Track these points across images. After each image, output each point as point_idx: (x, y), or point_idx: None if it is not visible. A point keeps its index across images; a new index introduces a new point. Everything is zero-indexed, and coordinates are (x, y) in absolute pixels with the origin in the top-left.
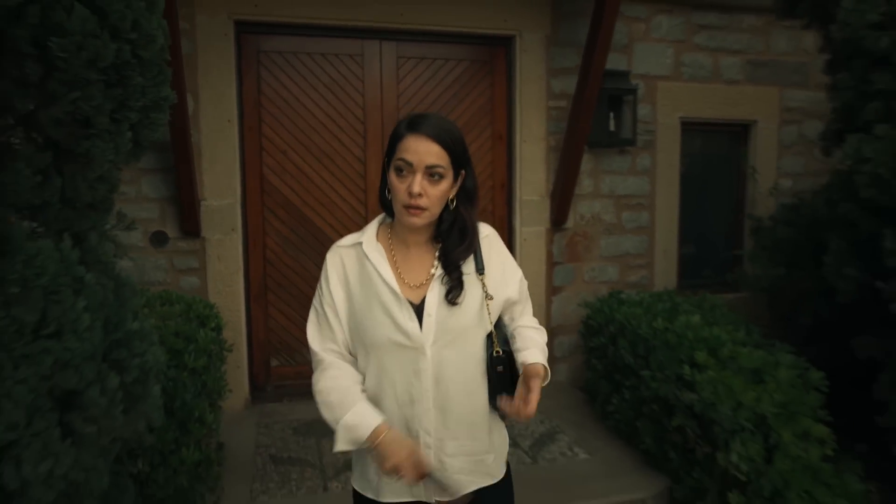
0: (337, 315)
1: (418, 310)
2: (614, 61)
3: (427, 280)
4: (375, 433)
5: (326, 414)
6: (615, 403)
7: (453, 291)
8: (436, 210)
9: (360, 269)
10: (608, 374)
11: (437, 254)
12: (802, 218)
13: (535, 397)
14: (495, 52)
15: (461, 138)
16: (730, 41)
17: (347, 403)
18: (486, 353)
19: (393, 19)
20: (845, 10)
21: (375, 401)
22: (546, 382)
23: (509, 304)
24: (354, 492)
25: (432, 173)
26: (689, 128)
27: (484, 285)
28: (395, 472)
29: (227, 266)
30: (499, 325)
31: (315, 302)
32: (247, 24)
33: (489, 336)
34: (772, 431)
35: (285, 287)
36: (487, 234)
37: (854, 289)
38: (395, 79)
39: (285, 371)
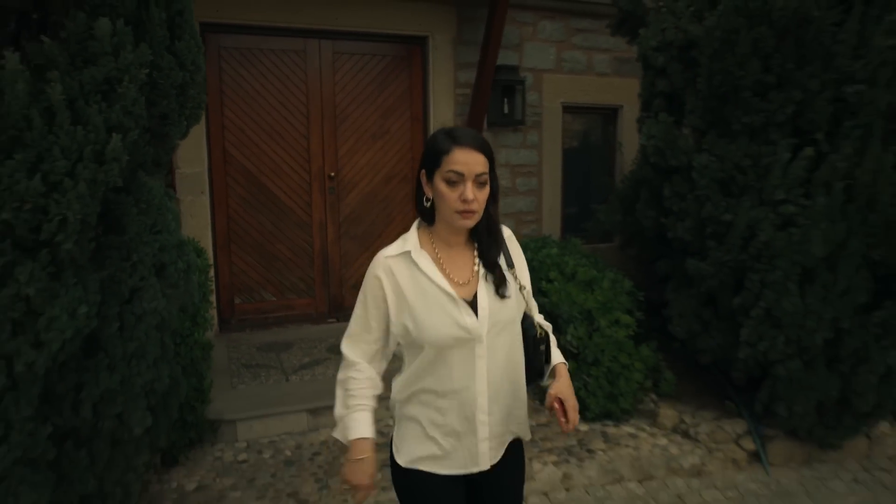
0: (379, 319)
1: (472, 305)
2: (508, 57)
3: (472, 277)
4: (358, 445)
5: (336, 401)
6: None
7: (502, 286)
8: (482, 211)
9: (412, 276)
10: None
11: (475, 252)
12: (633, 177)
13: (573, 410)
14: (413, 49)
15: (490, 145)
16: (600, 42)
17: (352, 406)
18: (528, 334)
19: (330, 22)
20: (641, 35)
21: (433, 392)
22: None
23: (530, 292)
24: (397, 466)
25: (480, 181)
26: (570, 111)
27: (516, 278)
28: (349, 487)
29: (198, 222)
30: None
31: (357, 308)
32: (210, 24)
33: (527, 320)
34: (594, 320)
35: (245, 239)
36: (508, 235)
37: (653, 226)
38: (332, 70)
39: (247, 307)
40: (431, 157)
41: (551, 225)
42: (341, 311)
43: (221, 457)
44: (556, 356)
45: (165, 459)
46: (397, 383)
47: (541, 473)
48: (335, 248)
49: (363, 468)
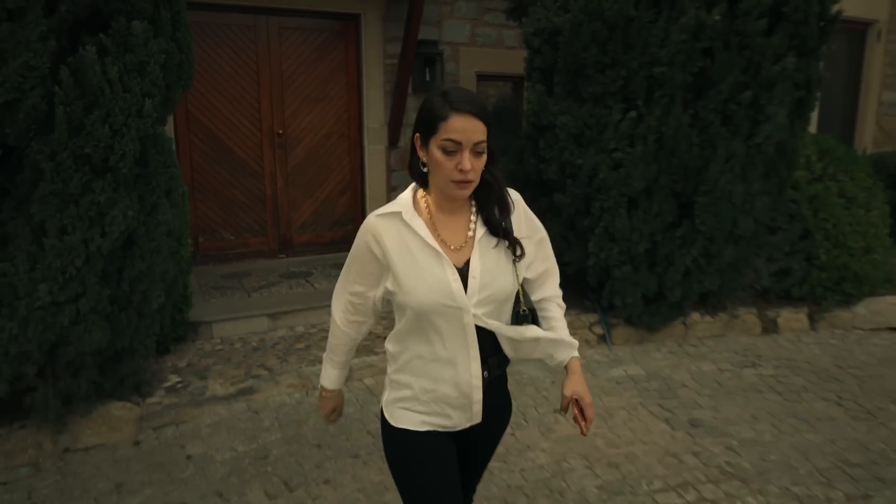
0: (362, 276)
1: (462, 272)
2: (429, 32)
3: (466, 242)
4: (324, 390)
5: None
6: None
7: (519, 250)
8: (478, 179)
9: (400, 238)
10: None
11: (472, 216)
12: (523, 134)
13: (590, 408)
14: (348, 25)
15: (489, 107)
16: (509, 20)
17: (328, 359)
18: (513, 309)
19: (277, 2)
20: (523, 22)
21: (422, 359)
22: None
23: (531, 263)
24: (392, 428)
25: (478, 150)
26: (483, 79)
27: (517, 246)
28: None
29: None
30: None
31: (344, 266)
32: None
33: (516, 294)
34: None
35: (206, 187)
36: (516, 198)
37: (535, 171)
38: (279, 43)
39: (209, 245)
40: (427, 122)
41: None
42: (290, 248)
43: (202, 347)
44: (565, 347)
45: (160, 349)
46: (389, 344)
47: None
48: (284, 195)
49: (325, 404)
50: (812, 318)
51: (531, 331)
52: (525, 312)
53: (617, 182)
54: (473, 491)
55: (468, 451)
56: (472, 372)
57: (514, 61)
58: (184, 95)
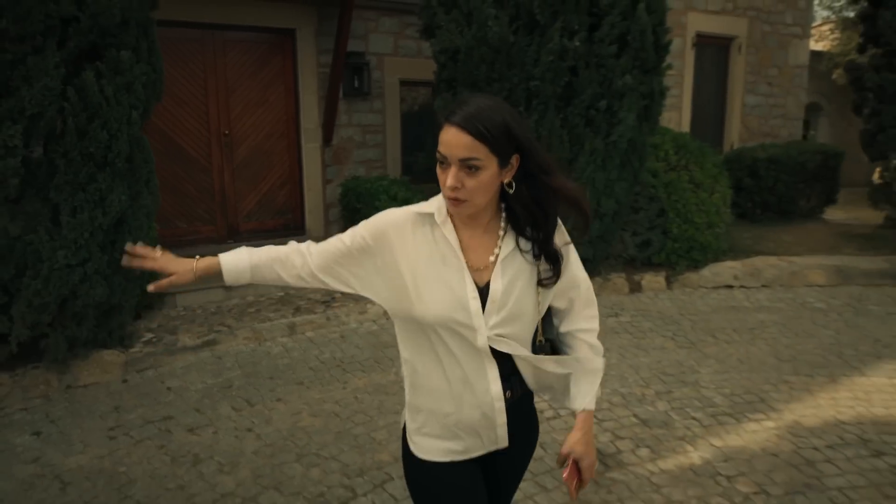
0: (351, 253)
1: (482, 293)
2: (357, 45)
3: (489, 265)
4: (200, 258)
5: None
6: None
7: (552, 271)
8: (479, 200)
9: (425, 240)
10: (353, 220)
11: (500, 235)
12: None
13: (589, 471)
14: (286, 38)
15: (503, 123)
16: None
17: (248, 250)
18: (532, 339)
19: (222, 19)
20: (431, 42)
21: (436, 381)
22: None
23: (563, 291)
24: (413, 457)
25: (468, 165)
26: (406, 84)
27: (539, 271)
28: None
29: None
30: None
31: (348, 231)
32: None
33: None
34: None
35: (162, 181)
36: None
37: None
38: (224, 54)
39: (165, 232)
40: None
41: (393, 169)
42: (237, 235)
43: (169, 314)
44: (583, 396)
45: (133, 315)
46: (404, 373)
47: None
48: (231, 188)
49: (176, 263)
50: (668, 280)
51: (545, 362)
52: (542, 343)
53: None
54: None
55: (496, 476)
56: (493, 394)
57: (432, 70)
58: None
